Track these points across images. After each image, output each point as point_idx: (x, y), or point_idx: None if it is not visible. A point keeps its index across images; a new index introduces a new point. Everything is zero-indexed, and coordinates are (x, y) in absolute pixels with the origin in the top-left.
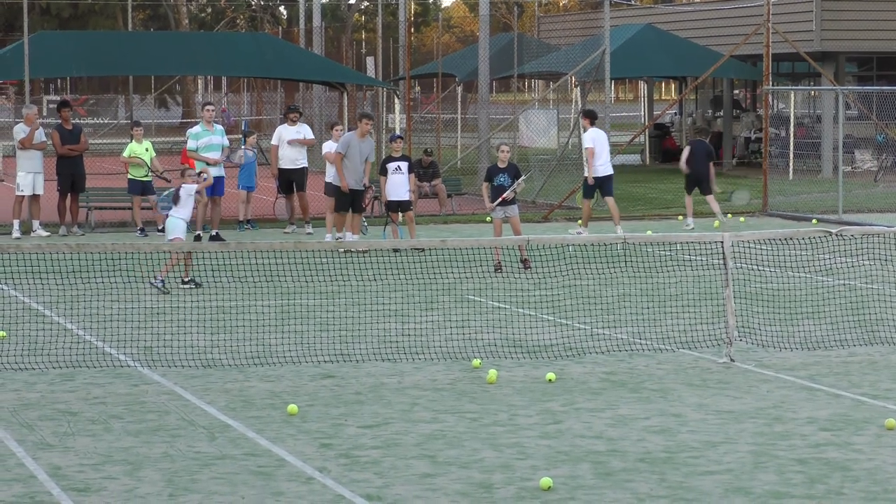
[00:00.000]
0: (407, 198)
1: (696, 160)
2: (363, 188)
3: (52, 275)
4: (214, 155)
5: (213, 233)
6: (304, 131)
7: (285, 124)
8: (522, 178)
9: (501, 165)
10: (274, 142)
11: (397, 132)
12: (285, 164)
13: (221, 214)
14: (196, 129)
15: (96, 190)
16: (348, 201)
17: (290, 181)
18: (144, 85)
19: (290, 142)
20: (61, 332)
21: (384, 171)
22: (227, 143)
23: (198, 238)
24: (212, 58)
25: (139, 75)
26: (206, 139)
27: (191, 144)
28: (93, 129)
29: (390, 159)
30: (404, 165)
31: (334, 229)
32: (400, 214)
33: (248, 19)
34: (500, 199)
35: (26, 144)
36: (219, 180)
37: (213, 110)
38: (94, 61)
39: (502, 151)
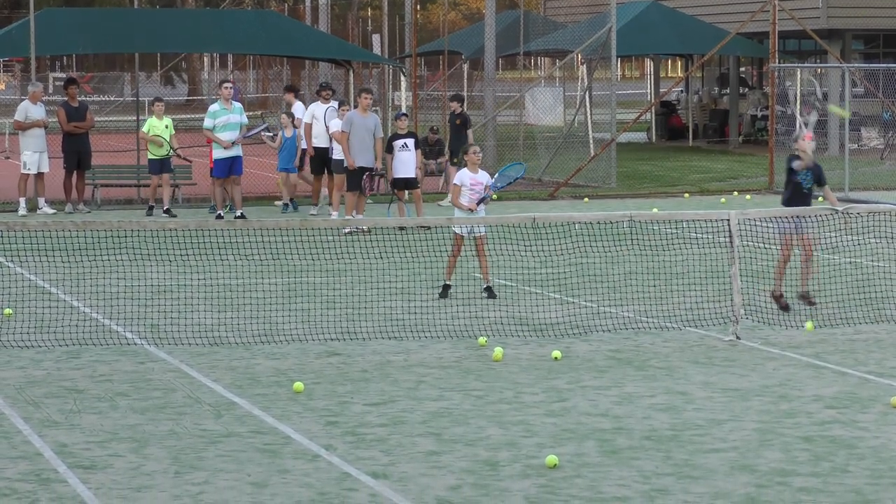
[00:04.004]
0: (414, 175)
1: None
2: (373, 167)
3: (58, 252)
4: (231, 135)
5: (238, 213)
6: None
7: (318, 102)
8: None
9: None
10: (307, 119)
11: (403, 110)
12: (324, 141)
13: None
14: (214, 107)
15: (102, 167)
16: (360, 179)
17: (325, 160)
18: (150, 62)
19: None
20: (67, 310)
21: (390, 149)
22: (245, 120)
23: (219, 217)
24: (218, 35)
25: (145, 52)
26: (224, 118)
27: (207, 123)
28: (99, 107)
29: (396, 137)
30: (411, 142)
31: (342, 207)
32: (406, 192)
33: None
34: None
35: (16, 127)
36: (237, 160)
37: (230, 88)
38: (100, 38)
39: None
